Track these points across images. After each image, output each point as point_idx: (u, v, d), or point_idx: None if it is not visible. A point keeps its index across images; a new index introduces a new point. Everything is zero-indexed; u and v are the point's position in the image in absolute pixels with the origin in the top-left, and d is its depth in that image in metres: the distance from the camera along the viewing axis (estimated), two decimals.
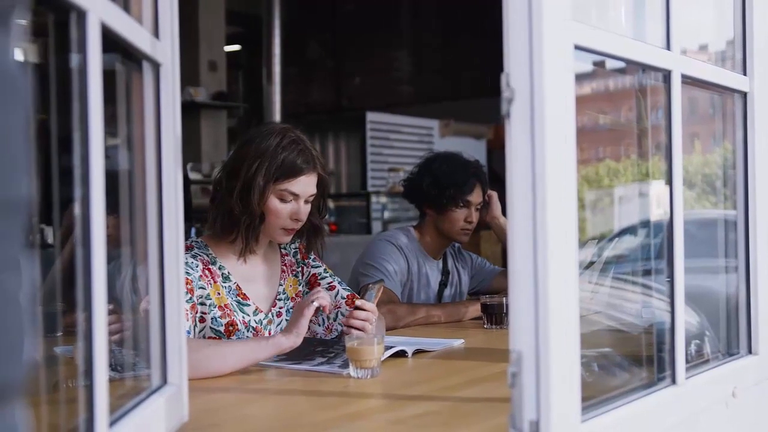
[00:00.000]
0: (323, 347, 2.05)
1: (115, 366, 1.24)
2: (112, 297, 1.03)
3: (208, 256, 2.10)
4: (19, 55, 0.54)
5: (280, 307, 2.20)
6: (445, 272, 3.01)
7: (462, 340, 2.26)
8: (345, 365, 1.83)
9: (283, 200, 2.07)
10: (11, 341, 0.51)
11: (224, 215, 2.08)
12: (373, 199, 7.02)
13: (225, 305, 2.06)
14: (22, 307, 0.53)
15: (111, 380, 0.99)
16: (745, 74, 1.71)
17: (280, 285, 2.21)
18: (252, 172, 2.02)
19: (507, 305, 2.54)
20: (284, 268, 2.24)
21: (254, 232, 2.08)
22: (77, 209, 0.93)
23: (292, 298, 2.23)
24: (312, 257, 2.30)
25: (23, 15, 0.56)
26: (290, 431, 1.44)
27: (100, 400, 0.95)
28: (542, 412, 1.09)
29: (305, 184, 2.08)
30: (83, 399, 0.95)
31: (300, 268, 2.27)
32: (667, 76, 1.43)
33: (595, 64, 1.38)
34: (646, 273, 1.85)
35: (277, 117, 7.61)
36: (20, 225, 0.53)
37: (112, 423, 1.02)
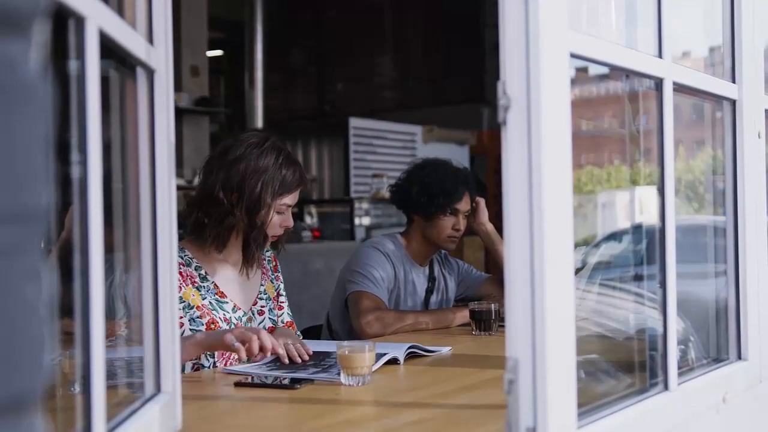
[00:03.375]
0: (315, 359, 2.02)
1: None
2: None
3: (182, 258, 2.14)
4: (39, 64, 0.53)
5: (262, 306, 2.28)
6: (431, 279, 3.00)
7: (450, 348, 2.26)
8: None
9: (279, 213, 2.19)
10: (33, 351, 0.51)
11: (226, 230, 2.14)
12: (357, 205, 6.99)
13: (202, 305, 2.11)
14: (42, 317, 0.52)
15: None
16: (733, 82, 1.73)
17: (262, 285, 2.31)
18: (258, 191, 2.12)
19: (495, 312, 2.54)
20: (264, 270, 2.34)
21: (262, 245, 2.19)
22: (75, 215, 0.92)
23: (273, 298, 2.33)
24: (279, 272, 2.41)
25: (43, 24, 0.55)
26: None
27: (97, 409, 0.94)
28: (539, 419, 1.09)
29: (297, 195, 2.23)
30: (80, 408, 0.94)
31: (275, 275, 2.39)
32: (659, 83, 1.44)
33: (578, 69, 1.37)
34: (633, 279, 1.86)
35: (260, 123, 7.59)
36: (40, 234, 0.53)
37: None
